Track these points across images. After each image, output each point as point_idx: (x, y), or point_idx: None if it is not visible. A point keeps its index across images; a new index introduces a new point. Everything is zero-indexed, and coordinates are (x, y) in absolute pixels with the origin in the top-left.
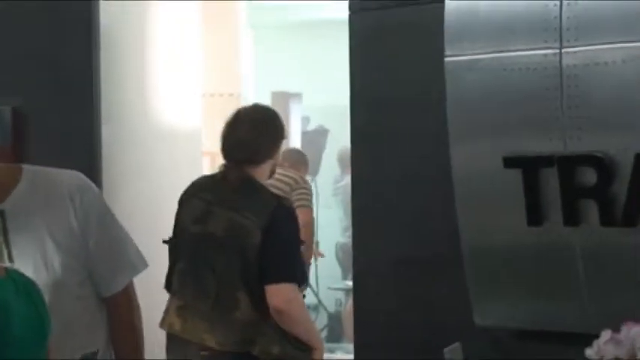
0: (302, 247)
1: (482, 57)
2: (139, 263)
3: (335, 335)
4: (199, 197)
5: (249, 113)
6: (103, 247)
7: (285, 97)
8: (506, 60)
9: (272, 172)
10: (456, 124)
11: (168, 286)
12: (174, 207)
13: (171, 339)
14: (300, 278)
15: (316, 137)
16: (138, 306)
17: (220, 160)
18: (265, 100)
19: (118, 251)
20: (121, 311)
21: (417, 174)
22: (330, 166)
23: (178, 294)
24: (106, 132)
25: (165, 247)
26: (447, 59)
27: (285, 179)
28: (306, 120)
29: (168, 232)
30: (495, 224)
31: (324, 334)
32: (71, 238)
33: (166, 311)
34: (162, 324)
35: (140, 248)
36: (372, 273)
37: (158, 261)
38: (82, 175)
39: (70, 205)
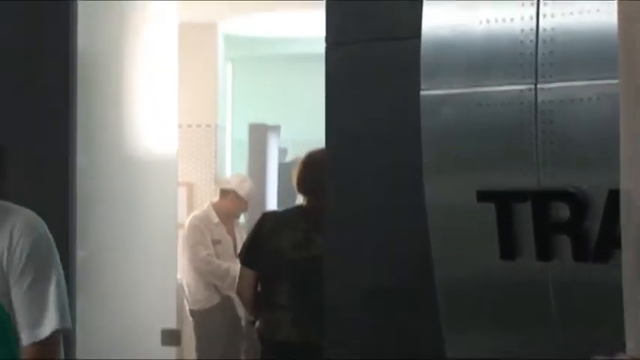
0: None
1: (458, 92)
2: (58, 321)
3: None
4: (293, 227)
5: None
6: (22, 295)
7: (262, 129)
8: (481, 95)
9: None
10: (431, 157)
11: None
12: (149, 236)
13: (283, 347)
14: None
15: (293, 169)
16: None
17: (198, 191)
18: (242, 132)
19: (37, 303)
20: None
21: (391, 206)
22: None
23: (291, 308)
24: (82, 162)
25: (138, 279)
26: (422, 93)
27: None
28: (283, 152)
29: (143, 262)
30: (468, 257)
31: None
32: (1, 277)
33: (279, 324)
34: (276, 335)
35: (114, 274)
36: (342, 305)
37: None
38: (35, 218)
39: (7, 242)
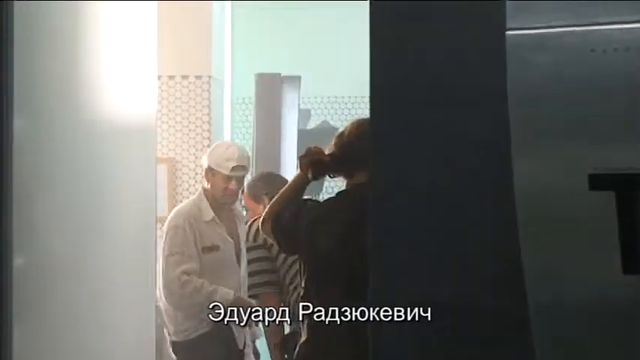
0: None
1: (561, 31)
2: None
3: None
4: (337, 220)
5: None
6: None
7: (275, 81)
8: (595, 36)
9: None
10: (520, 124)
11: None
12: (117, 237)
13: None
14: None
15: (320, 139)
16: None
17: (184, 171)
18: (247, 85)
19: None
20: None
21: (462, 192)
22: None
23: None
24: (20, 126)
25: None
26: (509, 33)
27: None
28: (305, 115)
29: (109, 273)
30: (577, 269)
31: None
32: None
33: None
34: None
35: (67, 291)
36: (389, 324)
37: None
38: None
39: None
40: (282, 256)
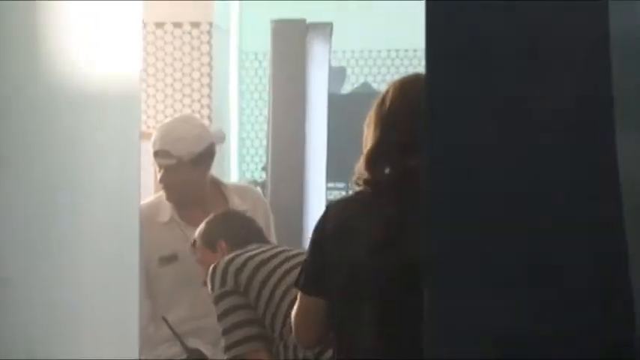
0: None
1: None
2: None
3: None
4: (376, 216)
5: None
6: None
7: (298, 29)
8: None
9: None
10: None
11: None
12: (92, 235)
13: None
14: None
15: (359, 108)
16: None
17: None
18: (261, 36)
19: None
20: None
21: (550, 192)
22: None
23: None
24: None
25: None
26: None
27: None
28: (339, 74)
29: (83, 282)
30: None
31: None
32: None
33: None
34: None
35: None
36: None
37: None
38: None
39: None
40: (264, 297)
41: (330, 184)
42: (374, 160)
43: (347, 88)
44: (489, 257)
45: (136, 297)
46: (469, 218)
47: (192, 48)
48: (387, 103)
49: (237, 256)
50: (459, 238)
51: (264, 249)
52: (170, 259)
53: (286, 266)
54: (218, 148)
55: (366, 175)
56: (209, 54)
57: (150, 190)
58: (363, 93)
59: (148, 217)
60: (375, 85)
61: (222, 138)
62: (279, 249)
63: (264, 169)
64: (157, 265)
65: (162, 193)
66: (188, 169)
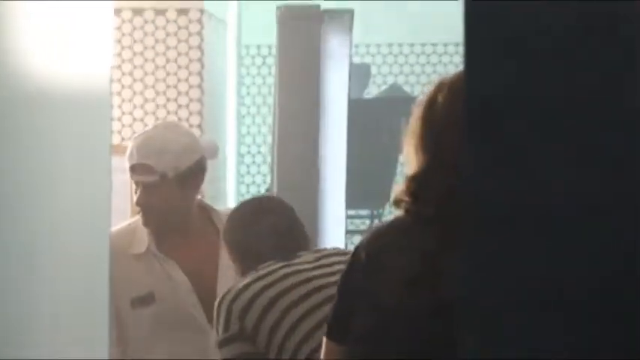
0: None
1: None
2: None
3: None
4: (409, 248)
5: None
6: None
7: (311, 17)
8: None
9: None
10: None
11: None
12: (56, 263)
13: None
14: None
15: (387, 114)
16: None
17: None
18: (264, 26)
19: None
20: None
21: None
22: None
23: None
24: None
25: None
26: None
27: None
28: (363, 71)
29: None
30: None
31: None
32: None
33: None
34: None
35: None
36: None
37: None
38: None
39: None
40: (275, 344)
41: (351, 211)
42: (419, 187)
43: (372, 91)
44: (529, 297)
45: (105, 344)
46: (512, 247)
47: (179, 40)
48: (436, 112)
49: (246, 287)
50: (495, 275)
51: (287, 271)
52: (145, 300)
53: (309, 303)
54: (210, 164)
55: (407, 201)
56: (200, 47)
57: (125, 214)
58: (393, 97)
59: (118, 248)
60: (407, 88)
61: (215, 151)
62: (311, 264)
63: (267, 191)
64: (129, 307)
65: (137, 218)
66: (172, 189)
